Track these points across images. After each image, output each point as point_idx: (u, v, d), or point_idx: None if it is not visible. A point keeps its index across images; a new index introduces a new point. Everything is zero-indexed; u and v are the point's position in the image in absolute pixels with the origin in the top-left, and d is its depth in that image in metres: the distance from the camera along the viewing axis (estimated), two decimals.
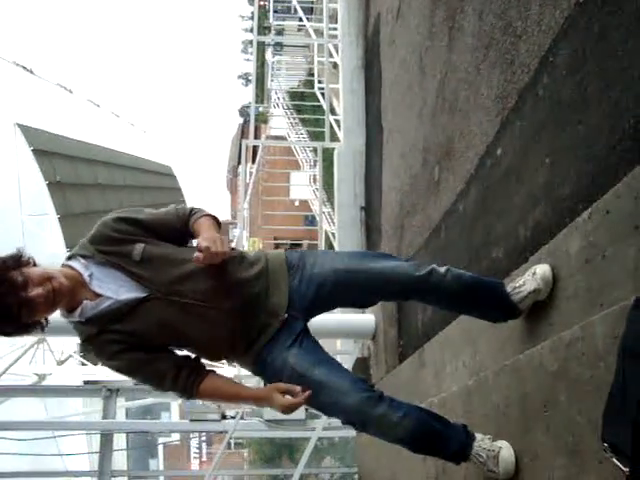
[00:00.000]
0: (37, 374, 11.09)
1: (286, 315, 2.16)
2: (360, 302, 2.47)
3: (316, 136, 12.28)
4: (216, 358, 2.30)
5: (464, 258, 3.51)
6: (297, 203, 18.86)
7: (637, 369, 1.30)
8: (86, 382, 12.12)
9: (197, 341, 2.16)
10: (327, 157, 8.21)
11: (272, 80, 16.01)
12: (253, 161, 10.95)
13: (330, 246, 9.06)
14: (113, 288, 2.07)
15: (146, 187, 28.85)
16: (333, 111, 8.67)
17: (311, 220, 17.06)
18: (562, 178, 2.40)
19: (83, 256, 2.09)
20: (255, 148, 8.90)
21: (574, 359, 1.70)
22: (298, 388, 2.04)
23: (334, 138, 7.68)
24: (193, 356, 2.19)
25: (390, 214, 5.54)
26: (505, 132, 3.00)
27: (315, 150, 9.74)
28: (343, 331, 5.75)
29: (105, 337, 2.06)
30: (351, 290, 2.24)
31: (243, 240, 9.75)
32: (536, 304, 2.28)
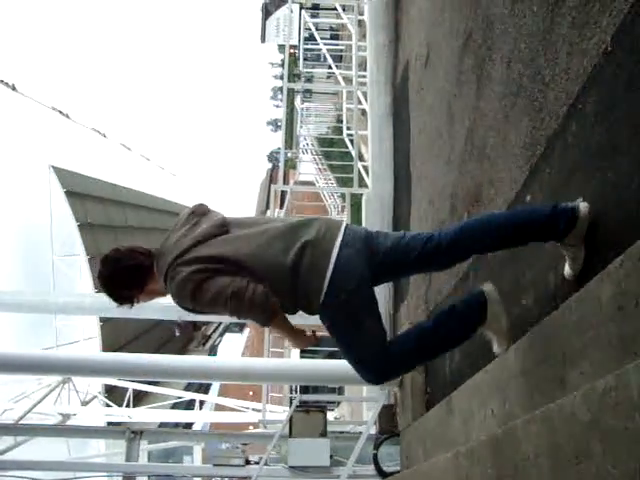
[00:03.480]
0: (61, 414, 11.14)
1: None
2: None
3: (344, 182, 12.39)
4: None
5: None
6: None
7: None
8: (109, 423, 12.16)
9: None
10: (355, 203, 8.26)
11: (301, 126, 16.25)
12: (281, 206, 11.04)
13: None
14: None
15: None
16: (361, 157, 8.77)
17: None
18: (593, 225, 2.38)
19: None
20: (283, 193, 9.00)
21: (608, 409, 1.66)
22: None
23: (362, 184, 7.73)
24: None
25: None
26: (534, 179, 3.00)
27: (343, 196, 9.82)
28: None
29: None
30: None
31: None
32: (566, 350, 2.25)
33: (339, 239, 2.57)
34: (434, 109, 5.20)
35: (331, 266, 2.51)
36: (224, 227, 2.64)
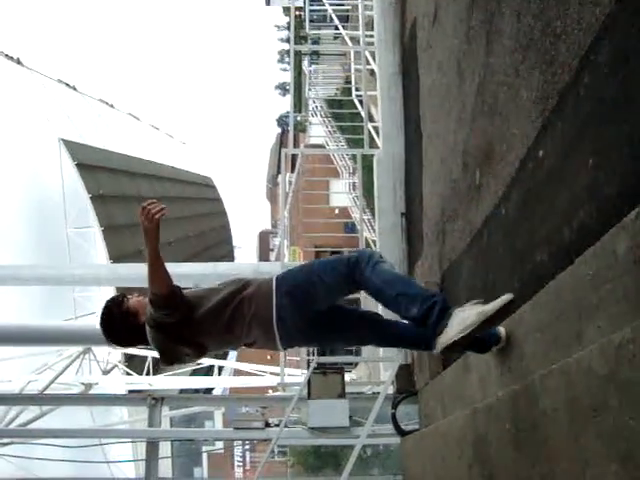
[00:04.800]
0: (83, 383, 11.34)
1: None
2: None
3: (355, 143, 12.32)
4: None
5: (507, 262, 3.47)
6: (337, 211, 18.90)
7: None
8: (131, 391, 12.36)
9: None
10: (366, 164, 8.21)
11: (309, 89, 16.09)
12: (292, 170, 11.00)
13: None
14: None
15: (187, 198, 29.21)
16: (371, 118, 8.68)
17: (351, 227, 17.08)
18: (607, 178, 2.36)
19: None
20: (294, 157, 8.94)
21: (625, 362, 1.66)
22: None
23: (373, 145, 7.67)
24: None
25: (431, 220, 5.51)
26: (546, 133, 2.96)
27: (354, 157, 9.77)
28: None
29: None
30: None
31: (284, 249, 9.80)
32: (582, 305, 2.24)
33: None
34: (443, 66, 5.12)
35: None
36: None
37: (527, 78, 3.17)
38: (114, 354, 13.74)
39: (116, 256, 16.23)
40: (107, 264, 15.03)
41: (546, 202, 2.93)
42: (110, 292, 16.27)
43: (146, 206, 2.88)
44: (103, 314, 3.23)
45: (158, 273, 2.90)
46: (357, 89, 10.57)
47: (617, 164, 2.29)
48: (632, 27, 2.20)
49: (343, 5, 13.51)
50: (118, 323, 3.19)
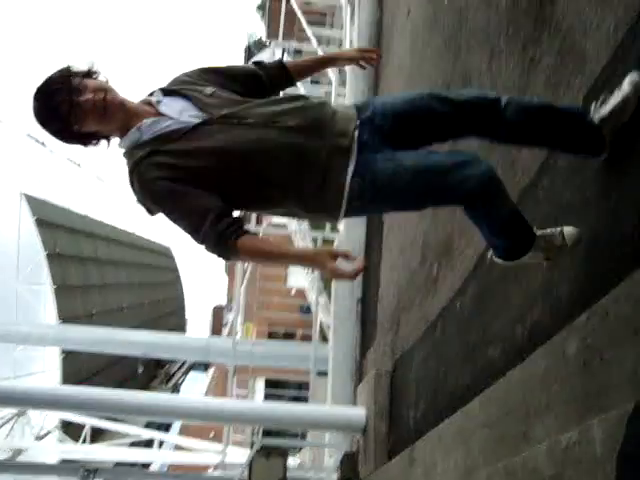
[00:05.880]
0: (13, 449, 10.79)
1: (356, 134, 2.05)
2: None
3: (316, 226, 12.42)
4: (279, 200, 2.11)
5: (459, 355, 3.47)
6: (293, 291, 18.84)
7: (637, 476, 1.26)
8: (64, 461, 11.80)
9: (259, 172, 2.02)
10: (327, 247, 8.26)
11: None
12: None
13: (324, 337, 8.98)
14: (177, 110, 2.08)
15: (144, 265, 28.92)
16: None
17: (306, 309, 17.00)
18: (560, 279, 2.41)
19: (158, 93, 2.16)
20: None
21: (571, 464, 1.65)
22: (352, 254, 1.95)
23: (334, 228, 7.75)
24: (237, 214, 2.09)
25: (387, 308, 5.53)
26: None
27: (315, 241, 9.82)
28: (332, 424, 5.63)
29: (155, 159, 2.01)
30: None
31: (237, 325, 9.69)
32: (530, 403, 2.24)
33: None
34: None
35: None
36: None
37: None
38: (50, 419, 13.20)
39: (65, 317, 15.84)
40: (55, 324, 14.63)
41: (500, 298, 2.97)
42: (54, 354, 15.81)
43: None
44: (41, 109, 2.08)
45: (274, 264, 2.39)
46: None
47: (571, 266, 2.35)
48: None
49: (318, 90, 13.93)
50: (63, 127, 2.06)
